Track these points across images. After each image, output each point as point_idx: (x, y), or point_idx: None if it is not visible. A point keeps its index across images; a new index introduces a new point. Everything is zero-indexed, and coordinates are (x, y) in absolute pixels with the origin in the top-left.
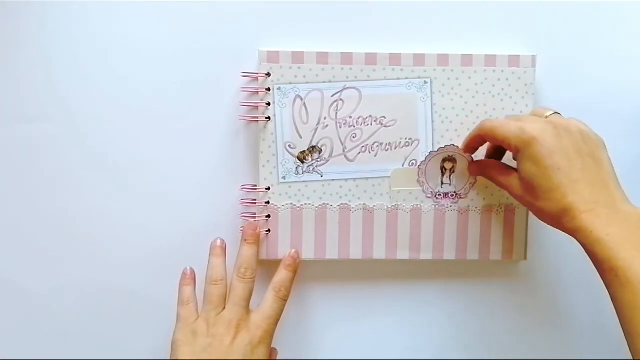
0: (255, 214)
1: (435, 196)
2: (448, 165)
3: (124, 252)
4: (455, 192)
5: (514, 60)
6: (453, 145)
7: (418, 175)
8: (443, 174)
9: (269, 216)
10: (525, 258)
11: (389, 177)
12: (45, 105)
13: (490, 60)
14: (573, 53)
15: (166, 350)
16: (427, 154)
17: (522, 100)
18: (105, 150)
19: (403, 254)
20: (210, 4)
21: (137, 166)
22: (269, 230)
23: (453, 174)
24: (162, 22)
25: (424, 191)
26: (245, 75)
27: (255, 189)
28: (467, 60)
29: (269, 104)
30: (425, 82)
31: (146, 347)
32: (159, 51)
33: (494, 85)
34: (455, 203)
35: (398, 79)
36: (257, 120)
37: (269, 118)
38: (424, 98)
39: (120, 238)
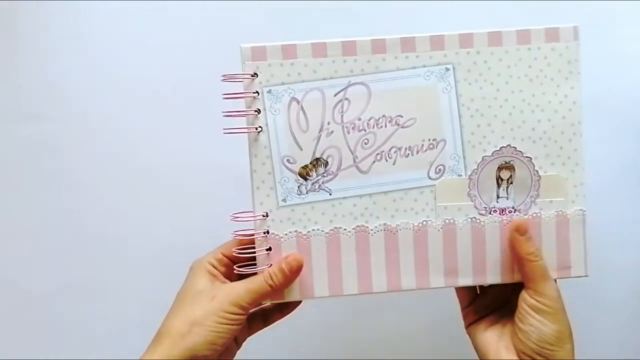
0: (252, 248)
1: (490, 212)
2: (505, 175)
3: (124, 252)
4: (513, 208)
5: (551, 34)
6: (510, 146)
7: (469, 187)
8: (499, 186)
9: (270, 249)
10: (587, 274)
11: (433, 187)
12: (46, 105)
13: (523, 36)
14: None
15: None
16: (480, 160)
17: (566, 82)
18: (105, 150)
19: (437, 281)
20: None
21: (137, 166)
22: (270, 266)
23: (511, 185)
24: (156, 26)
25: (475, 207)
26: (227, 79)
27: (253, 217)
28: (495, 38)
29: (258, 111)
30: (447, 69)
31: (145, 347)
32: (156, 54)
33: (530, 67)
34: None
35: (414, 67)
36: (246, 133)
37: (260, 129)
38: (446, 89)
39: (121, 238)
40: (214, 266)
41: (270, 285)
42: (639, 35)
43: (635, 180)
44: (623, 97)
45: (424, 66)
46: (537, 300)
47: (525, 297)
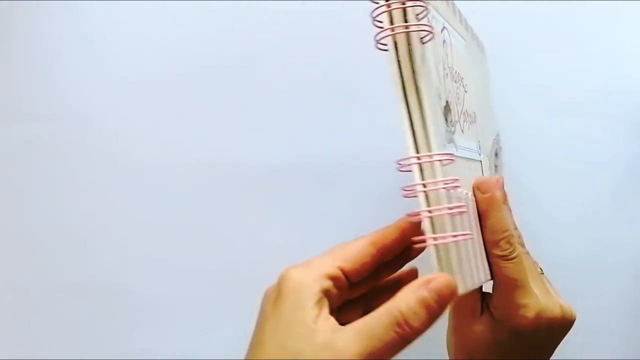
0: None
1: None
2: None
3: (125, 252)
4: None
5: None
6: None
7: (490, 170)
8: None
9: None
10: None
11: (480, 163)
12: (45, 105)
13: None
14: (567, 54)
15: (166, 349)
16: (491, 143)
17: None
18: (106, 150)
19: None
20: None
21: (138, 166)
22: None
23: None
24: (157, 26)
25: None
26: None
27: (431, 159)
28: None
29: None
30: (465, 39)
31: (146, 347)
32: (157, 54)
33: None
34: None
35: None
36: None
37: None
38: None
39: (121, 238)
40: (329, 291)
41: (404, 336)
42: (639, 35)
43: (636, 180)
44: (623, 97)
45: (452, 27)
46: None
47: None
